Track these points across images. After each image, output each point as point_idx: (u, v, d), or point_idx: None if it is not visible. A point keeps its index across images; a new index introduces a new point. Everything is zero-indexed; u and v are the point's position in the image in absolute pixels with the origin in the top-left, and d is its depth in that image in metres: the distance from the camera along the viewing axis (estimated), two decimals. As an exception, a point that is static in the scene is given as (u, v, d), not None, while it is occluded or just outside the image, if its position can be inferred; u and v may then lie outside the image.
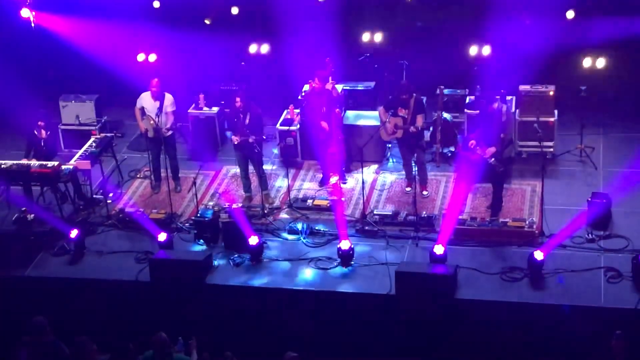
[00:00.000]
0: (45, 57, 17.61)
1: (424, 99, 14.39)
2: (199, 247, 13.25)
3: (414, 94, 13.84)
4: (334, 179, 14.33)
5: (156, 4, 17.17)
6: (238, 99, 13.84)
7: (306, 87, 15.48)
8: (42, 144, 14.34)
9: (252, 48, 16.54)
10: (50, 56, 17.54)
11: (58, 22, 17.02)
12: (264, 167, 14.41)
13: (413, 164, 14.05)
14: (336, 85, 14.76)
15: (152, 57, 16.23)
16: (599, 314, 11.49)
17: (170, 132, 14.57)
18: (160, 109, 14.35)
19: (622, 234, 12.86)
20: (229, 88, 16.12)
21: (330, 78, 14.60)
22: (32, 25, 16.96)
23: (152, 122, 14.29)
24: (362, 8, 17.19)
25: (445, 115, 15.12)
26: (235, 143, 13.95)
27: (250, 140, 13.79)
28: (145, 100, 14.51)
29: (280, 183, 14.79)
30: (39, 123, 14.37)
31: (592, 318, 11.45)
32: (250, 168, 14.32)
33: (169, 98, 14.50)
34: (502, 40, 15.63)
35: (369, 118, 15.24)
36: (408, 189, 14.34)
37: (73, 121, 16.12)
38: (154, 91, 14.42)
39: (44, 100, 15.82)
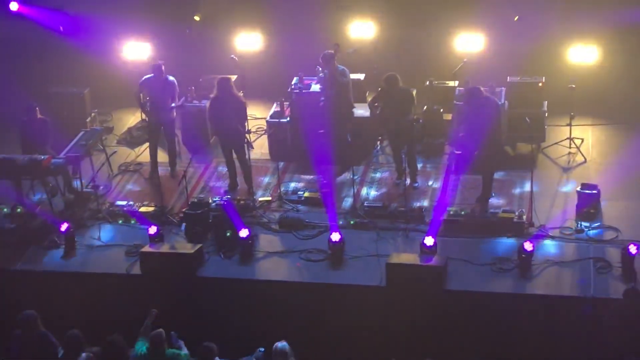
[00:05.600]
0: (35, 50, 17.51)
1: (414, 91, 14.38)
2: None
3: (403, 86, 13.84)
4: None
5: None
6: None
7: (295, 80, 15.42)
8: (32, 134, 14.28)
9: (242, 40, 16.45)
10: (39, 49, 17.45)
11: (47, 14, 16.95)
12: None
13: (403, 156, 14.07)
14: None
15: (143, 50, 16.17)
16: (588, 304, 11.52)
17: (173, 113, 14.69)
18: (162, 92, 14.43)
19: (612, 224, 12.90)
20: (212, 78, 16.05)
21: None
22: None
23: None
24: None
25: (435, 107, 15.13)
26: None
27: None
28: (147, 85, 14.57)
29: (270, 176, 14.78)
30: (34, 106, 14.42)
31: (582, 308, 11.50)
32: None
33: (172, 81, 14.63)
34: (492, 32, 15.62)
35: (358, 110, 15.18)
36: (398, 180, 14.35)
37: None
38: (157, 75, 14.44)
39: (34, 94, 15.76)
